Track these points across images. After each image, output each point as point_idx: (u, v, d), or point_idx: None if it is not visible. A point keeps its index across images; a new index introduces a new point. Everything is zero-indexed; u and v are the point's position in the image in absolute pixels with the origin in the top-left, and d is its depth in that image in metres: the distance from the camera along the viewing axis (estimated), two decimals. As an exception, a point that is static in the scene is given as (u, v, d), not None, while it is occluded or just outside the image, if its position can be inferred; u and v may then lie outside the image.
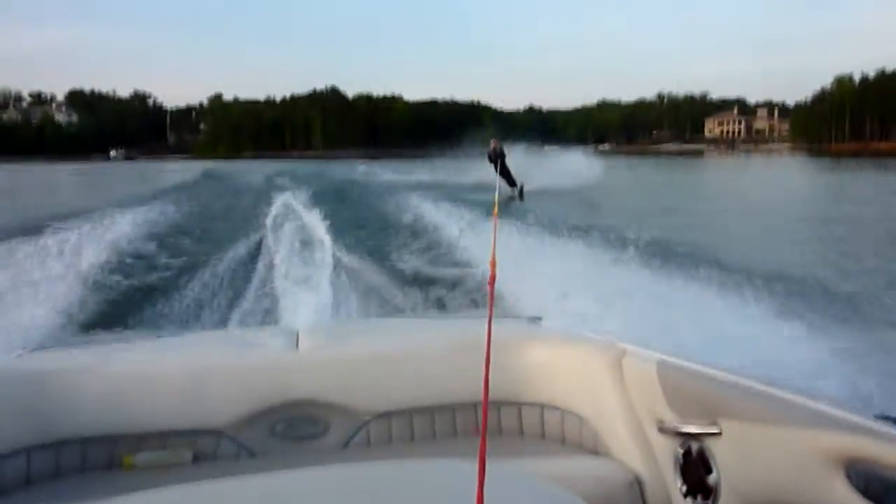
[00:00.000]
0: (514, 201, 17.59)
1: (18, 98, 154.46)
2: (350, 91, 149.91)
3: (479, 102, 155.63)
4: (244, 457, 1.94)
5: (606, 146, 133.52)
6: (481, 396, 1.45)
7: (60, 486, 1.81)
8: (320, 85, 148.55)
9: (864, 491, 1.18)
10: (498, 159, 16.84)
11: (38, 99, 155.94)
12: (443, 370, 2.07)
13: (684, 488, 1.59)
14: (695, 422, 1.52)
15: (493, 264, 1.15)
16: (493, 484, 0.95)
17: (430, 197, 15.35)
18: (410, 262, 8.60)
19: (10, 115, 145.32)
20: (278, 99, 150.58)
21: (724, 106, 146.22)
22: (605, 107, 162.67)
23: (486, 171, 19.34)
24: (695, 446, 1.54)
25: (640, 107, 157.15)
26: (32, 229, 9.17)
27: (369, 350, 2.11)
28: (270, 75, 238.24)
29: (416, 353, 2.08)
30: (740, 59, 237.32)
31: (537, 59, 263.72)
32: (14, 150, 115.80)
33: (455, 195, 16.26)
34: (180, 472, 1.84)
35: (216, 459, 1.91)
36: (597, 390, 1.89)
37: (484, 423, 0.83)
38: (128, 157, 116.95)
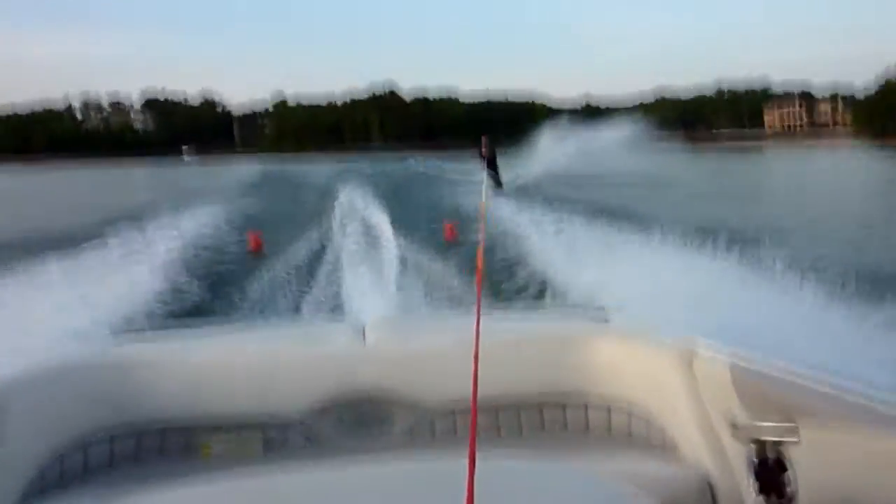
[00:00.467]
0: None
1: (99, 107, 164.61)
2: (407, 85, 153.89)
3: (532, 102, 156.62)
4: (312, 447, 1.98)
5: (662, 141, 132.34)
6: (547, 394, 1.79)
7: (141, 471, 1.89)
8: (379, 83, 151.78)
9: None
10: (487, 159, 18.91)
11: (117, 105, 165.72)
12: (509, 367, 2.06)
13: (759, 493, 1.53)
14: (770, 424, 1.47)
15: (481, 258, 1.14)
16: (563, 482, 0.98)
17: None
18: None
19: (93, 122, 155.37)
20: (339, 101, 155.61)
21: (785, 97, 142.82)
22: (662, 101, 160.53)
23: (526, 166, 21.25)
24: (770, 449, 1.48)
25: (698, 100, 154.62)
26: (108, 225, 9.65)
27: (435, 345, 2.10)
28: (332, 75, 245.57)
29: (481, 349, 2.04)
30: (804, 47, 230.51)
31: (594, 52, 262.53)
32: (97, 153, 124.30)
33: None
34: (252, 461, 1.89)
35: (286, 449, 1.95)
36: (666, 389, 1.84)
37: (473, 421, 0.88)
38: (199, 158, 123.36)
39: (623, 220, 9.21)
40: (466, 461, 1.11)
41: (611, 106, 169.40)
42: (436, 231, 11.04)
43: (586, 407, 2.06)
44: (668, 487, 1.65)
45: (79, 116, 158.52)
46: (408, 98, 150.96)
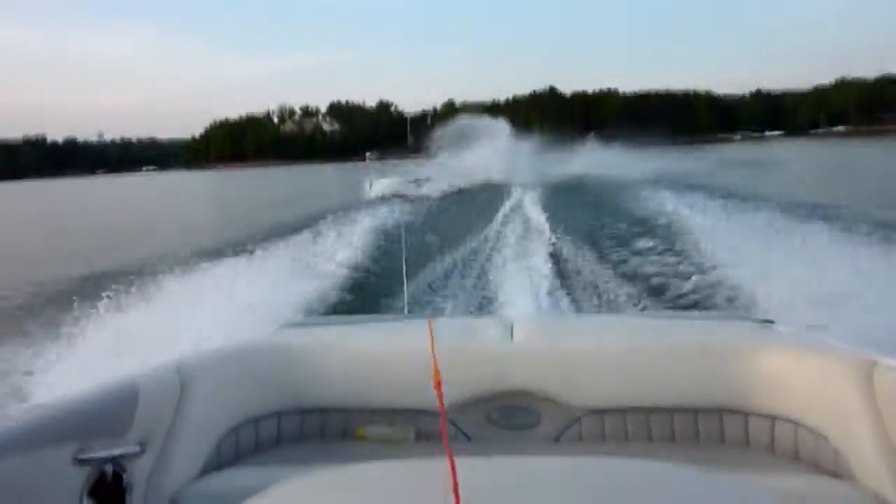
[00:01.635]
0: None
1: (292, 112, 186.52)
2: (567, 86, 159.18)
3: (694, 91, 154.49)
4: (461, 440, 2.02)
5: (842, 128, 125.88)
6: (703, 401, 1.84)
7: (304, 449, 2.03)
8: (541, 88, 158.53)
9: None
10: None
11: (307, 112, 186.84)
12: (662, 371, 2.00)
13: None
14: None
15: None
16: (724, 496, 0.93)
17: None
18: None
19: (288, 126, 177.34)
20: (502, 100, 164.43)
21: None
22: (842, 85, 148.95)
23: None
24: None
25: (883, 82, 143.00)
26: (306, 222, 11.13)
27: (584, 345, 2.08)
28: (495, 75, 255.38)
29: (633, 351, 2.01)
30: None
31: (766, 37, 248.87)
32: (293, 155, 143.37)
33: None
34: (404, 447, 1.98)
35: (435, 439, 2.01)
36: (840, 405, 1.68)
37: (443, 426, 0.94)
38: (379, 159, 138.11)
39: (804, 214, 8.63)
40: (612, 460, 1.19)
41: (788, 89, 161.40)
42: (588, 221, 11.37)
43: (747, 419, 1.92)
44: None
45: (275, 121, 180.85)
46: (567, 94, 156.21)
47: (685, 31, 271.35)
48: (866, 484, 1.57)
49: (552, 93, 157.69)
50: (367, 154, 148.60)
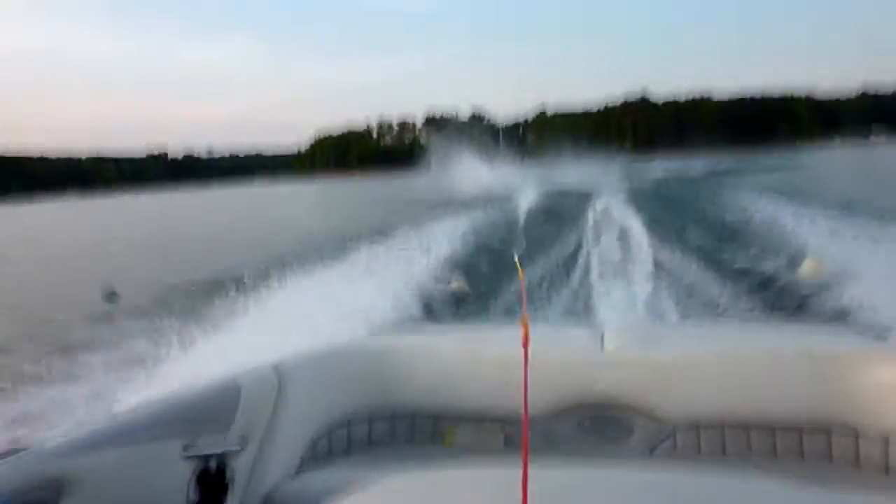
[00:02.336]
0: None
1: (390, 126, 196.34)
2: (660, 88, 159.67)
3: (791, 95, 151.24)
4: (550, 448, 1.98)
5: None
6: (809, 416, 1.74)
7: (394, 450, 2.05)
8: (635, 92, 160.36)
9: None
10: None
11: (404, 126, 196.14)
12: (763, 383, 1.91)
13: None
14: None
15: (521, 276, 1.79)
16: None
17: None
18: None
19: (387, 140, 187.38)
20: (594, 108, 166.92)
21: None
22: None
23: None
24: None
25: None
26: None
27: (678, 355, 2.02)
28: (590, 85, 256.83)
29: (732, 362, 1.93)
30: None
31: (873, 32, 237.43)
32: (394, 165, 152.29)
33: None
34: (492, 453, 1.96)
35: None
36: None
37: (525, 436, 0.90)
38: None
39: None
40: (708, 478, 1.15)
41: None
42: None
43: (857, 436, 1.79)
44: None
45: (374, 135, 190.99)
46: (659, 102, 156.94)
47: (785, 27, 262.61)
48: None
49: (643, 101, 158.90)
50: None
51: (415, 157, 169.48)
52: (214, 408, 1.75)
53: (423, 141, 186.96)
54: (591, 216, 13.68)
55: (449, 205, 19.21)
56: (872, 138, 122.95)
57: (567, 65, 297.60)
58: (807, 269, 6.72)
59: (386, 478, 1.10)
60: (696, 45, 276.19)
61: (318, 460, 1.97)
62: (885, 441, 1.77)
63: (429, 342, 2.34)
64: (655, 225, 11.40)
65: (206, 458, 1.67)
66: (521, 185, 26.90)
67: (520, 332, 1.98)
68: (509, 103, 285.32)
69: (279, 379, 1.94)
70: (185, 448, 1.62)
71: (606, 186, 22.00)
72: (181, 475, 1.61)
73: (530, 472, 1.03)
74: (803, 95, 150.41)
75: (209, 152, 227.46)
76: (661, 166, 39.68)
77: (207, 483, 1.66)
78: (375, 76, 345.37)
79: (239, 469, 1.74)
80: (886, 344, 2.04)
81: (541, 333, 2.57)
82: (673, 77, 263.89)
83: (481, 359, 2.15)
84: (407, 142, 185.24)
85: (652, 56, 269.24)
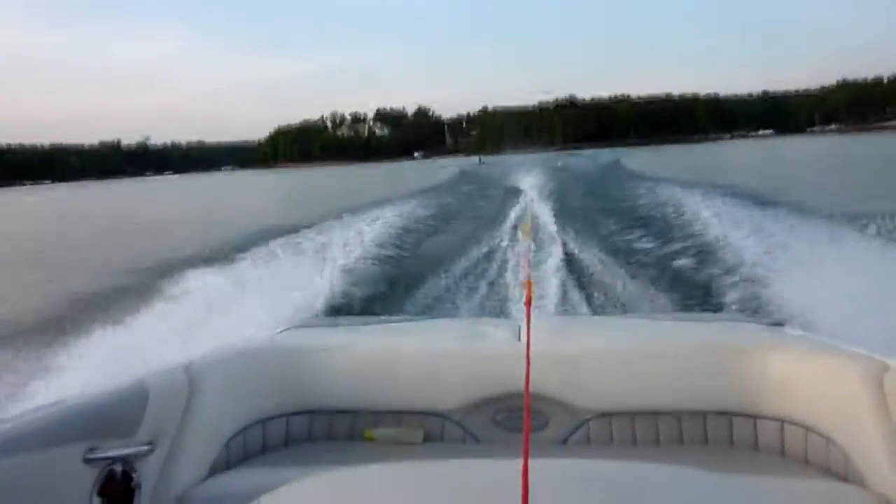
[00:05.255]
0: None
1: (343, 119, 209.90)
2: (587, 90, 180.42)
3: (694, 95, 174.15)
4: (468, 441, 2.00)
5: (833, 127, 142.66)
6: (712, 404, 1.82)
7: (312, 450, 1.99)
8: (563, 97, 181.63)
9: None
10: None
11: (356, 118, 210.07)
12: (670, 373, 1.95)
13: None
14: None
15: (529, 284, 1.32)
16: (732, 499, 0.92)
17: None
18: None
19: (343, 131, 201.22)
20: (529, 108, 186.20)
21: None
22: (845, 86, 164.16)
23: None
24: None
25: (873, 86, 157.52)
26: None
27: (593, 347, 2.07)
28: (523, 85, 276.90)
29: (642, 354, 1.99)
30: None
31: (775, 39, 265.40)
32: (351, 156, 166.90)
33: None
34: (412, 449, 1.94)
35: (443, 441, 1.99)
36: (850, 409, 1.66)
37: (526, 424, 0.88)
38: (425, 157, 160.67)
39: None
40: (619, 464, 1.15)
41: (799, 88, 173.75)
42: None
43: (756, 422, 1.88)
44: None
45: (329, 128, 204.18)
46: (587, 100, 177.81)
47: (699, 34, 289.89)
48: (876, 488, 1.54)
49: (571, 100, 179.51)
50: (416, 153, 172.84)
51: (369, 148, 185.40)
52: (120, 410, 1.64)
53: (376, 133, 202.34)
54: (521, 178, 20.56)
55: (395, 191, 22.38)
56: (761, 132, 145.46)
57: (507, 71, 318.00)
58: None
59: (303, 477, 1.06)
60: (620, 54, 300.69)
61: (232, 462, 1.88)
62: (781, 426, 1.84)
63: (346, 337, 2.29)
64: (563, 195, 15.10)
65: (111, 462, 1.55)
66: (456, 173, 31.50)
67: (437, 325, 2.41)
68: (452, 101, 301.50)
69: (190, 379, 1.84)
70: (88, 452, 1.50)
71: (532, 168, 27.00)
72: (83, 482, 1.49)
73: (447, 465, 1.08)
74: (711, 96, 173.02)
75: (167, 144, 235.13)
76: (578, 154, 51.51)
77: (113, 489, 1.55)
78: (328, 69, 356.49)
79: (146, 473, 1.64)
80: (782, 334, 2.14)
81: (459, 327, 2.73)
82: (598, 81, 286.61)
83: (399, 353, 2.12)
84: (360, 134, 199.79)
85: (580, 63, 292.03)
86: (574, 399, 1.96)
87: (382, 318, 3.01)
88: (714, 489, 1.00)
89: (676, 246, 8.20)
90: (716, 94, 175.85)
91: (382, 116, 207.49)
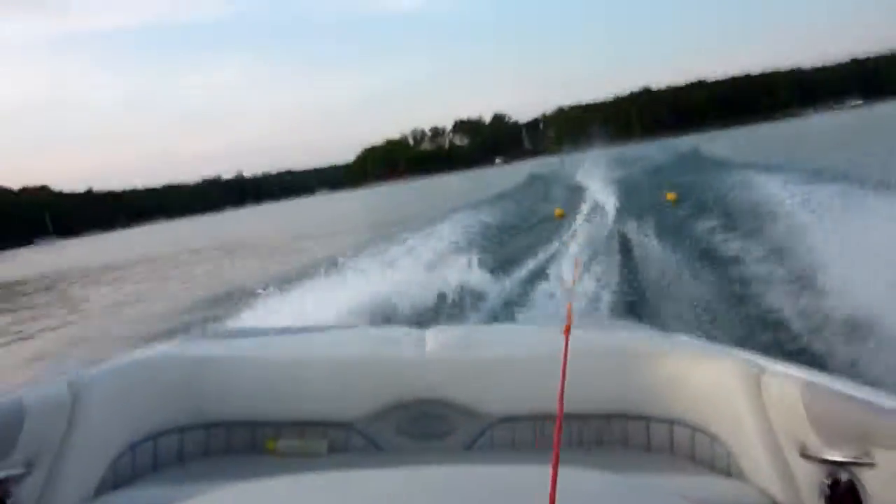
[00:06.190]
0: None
1: (423, 134, 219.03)
2: (659, 79, 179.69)
3: (774, 70, 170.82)
4: (372, 451, 1.99)
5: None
6: (608, 408, 1.96)
7: (209, 465, 1.92)
8: (634, 79, 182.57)
9: None
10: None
11: (436, 132, 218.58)
12: (570, 379, 1.75)
13: None
14: (844, 450, 1.37)
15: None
16: (626, 497, 0.96)
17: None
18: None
19: (426, 145, 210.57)
20: (602, 99, 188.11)
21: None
22: None
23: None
24: (843, 477, 1.39)
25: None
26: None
27: (495, 354, 2.11)
28: (596, 79, 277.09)
29: (542, 359, 2.01)
30: None
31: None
32: (435, 167, 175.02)
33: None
34: (316, 460, 1.92)
35: (347, 451, 1.98)
36: (731, 408, 1.75)
37: (557, 434, 0.89)
38: (505, 162, 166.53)
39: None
40: (519, 468, 1.20)
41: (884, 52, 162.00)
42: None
43: (648, 424, 1.96)
44: None
45: (412, 143, 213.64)
46: (661, 88, 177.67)
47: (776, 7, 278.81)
48: (754, 482, 1.63)
49: (646, 90, 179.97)
50: (497, 159, 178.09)
51: (452, 159, 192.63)
52: None
53: (456, 143, 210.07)
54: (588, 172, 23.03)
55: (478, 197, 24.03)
56: (849, 102, 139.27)
57: (570, 65, 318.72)
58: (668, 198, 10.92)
59: (198, 493, 1.03)
60: (691, 34, 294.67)
61: (120, 481, 1.77)
62: (671, 426, 1.93)
63: (246, 347, 2.20)
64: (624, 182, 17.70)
65: None
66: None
67: (343, 335, 2.40)
68: (527, 103, 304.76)
69: (73, 395, 1.71)
70: None
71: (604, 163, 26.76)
72: None
73: (352, 476, 1.08)
74: (791, 68, 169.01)
75: (256, 175, 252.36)
76: (660, 145, 49.15)
77: None
78: (394, 82, 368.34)
79: (23, 495, 1.52)
80: (672, 339, 2.21)
81: (363, 335, 2.71)
82: (671, 67, 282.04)
83: (301, 363, 2.07)
84: (441, 146, 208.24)
85: (651, 50, 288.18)
86: (479, 405, 1.98)
87: (283, 327, 3.07)
88: (607, 488, 1.08)
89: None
90: (797, 67, 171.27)
91: (461, 127, 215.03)
